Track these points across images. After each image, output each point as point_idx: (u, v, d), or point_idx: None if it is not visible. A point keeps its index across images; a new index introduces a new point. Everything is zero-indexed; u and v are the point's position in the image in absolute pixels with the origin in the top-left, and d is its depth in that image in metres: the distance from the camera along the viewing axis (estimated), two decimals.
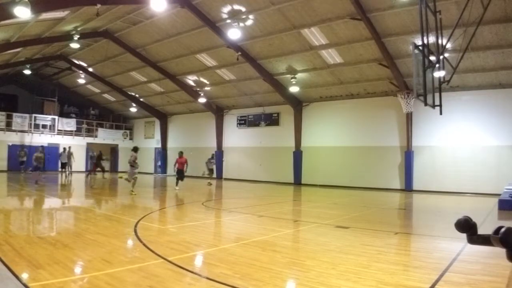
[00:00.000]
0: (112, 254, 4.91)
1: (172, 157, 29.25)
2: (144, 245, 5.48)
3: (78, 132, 29.18)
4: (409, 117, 17.27)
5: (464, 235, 1.19)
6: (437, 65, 9.37)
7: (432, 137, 17.10)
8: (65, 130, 28.21)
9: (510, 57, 13.89)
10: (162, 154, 29.57)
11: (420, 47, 8.56)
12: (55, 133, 27.38)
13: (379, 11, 13.42)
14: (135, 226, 7.01)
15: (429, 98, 8.89)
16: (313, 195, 16.06)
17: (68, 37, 18.27)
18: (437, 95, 9.33)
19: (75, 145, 28.41)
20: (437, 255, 5.31)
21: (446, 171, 16.61)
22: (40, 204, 10.79)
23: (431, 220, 9.36)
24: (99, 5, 13.79)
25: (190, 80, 22.88)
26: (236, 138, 24.82)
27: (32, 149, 25.01)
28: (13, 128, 25.41)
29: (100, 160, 23.05)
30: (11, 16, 10.99)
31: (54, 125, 27.41)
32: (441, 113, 9.68)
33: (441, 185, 16.53)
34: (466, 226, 1.19)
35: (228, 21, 15.87)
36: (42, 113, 27.42)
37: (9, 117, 25.44)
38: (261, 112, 23.32)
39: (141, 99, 28.11)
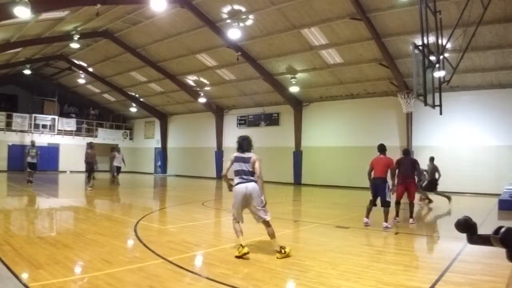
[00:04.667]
0: (112, 254, 4.90)
1: (172, 158, 29.36)
2: (144, 245, 5.48)
3: (78, 132, 29.18)
4: (409, 117, 17.26)
5: (464, 235, 1.19)
6: (437, 65, 9.37)
7: (432, 137, 17.09)
8: (65, 130, 28.22)
9: (510, 57, 13.89)
10: (162, 154, 29.57)
11: (420, 47, 8.56)
12: (55, 133, 27.37)
13: (379, 11, 13.42)
14: (135, 226, 7.00)
15: (429, 98, 8.89)
16: (313, 195, 16.06)
17: (68, 37, 18.28)
18: (437, 95, 9.32)
19: (75, 145, 28.44)
20: (437, 255, 5.31)
21: (446, 171, 16.49)
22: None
23: (431, 220, 9.36)
24: (99, 5, 13.79)
25: (190, 80, 22.88)
26: (236, 138, 24.75)
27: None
28: (13, 128, 25.40)
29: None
30: (11, 16, 10.98)
31: (54, 125, 27.41)
32: (441, 113, 9.68)
33: (441, 185, 16.38)
34: (466, 226, 1.19)
35: (228, 21, 15.87)
36: (42, 113, 27.41)
37: (9, 117, 25.43)
38: (261, 112, 23.32)
39: (141, 99, 28.12)
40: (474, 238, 1.18)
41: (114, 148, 18.08)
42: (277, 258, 4.87)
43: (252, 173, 5.19)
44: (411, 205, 8.15)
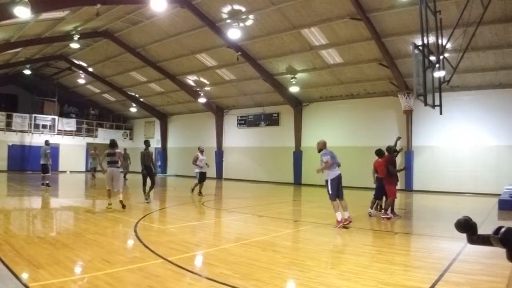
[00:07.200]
0: (112, 254, 4.91)
1: (172, 158, 29.32)
2: (144, 245, 5.48)
3: (78, 132, 29.18)
4: (409, 117, 17.26)
5: (464, 235, 1.19)
6: (437, 65, 9.36)
7: (432, 137, 17.09)
8: (65, 130, 28.20)
9: (510, 57, 13.88)
10: (162, 154, 29.55)
11: (420, 47, 8.56)
12: (55, 133, 27.34)
13: (379, 11, 13.42)
14: (135, 226, 7.01)
15: (429, 98, 8.89)
16: (313, 195, 16.05)
17: (68, 37, 18.28)
18: (437, 95, 9.32)
19: (75, 145, 28.45)
20: (437, 255, 5.31)
21: (446, 171, 16.59)
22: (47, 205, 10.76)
23: (431, 220, 9.36)
24: (99, 5, 13.78)
25: (190, 80, 22.88)
26: (236, 138, 24.81)
27: (34, 149, 24.92)
28: (13, 128, 25.39)
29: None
30: (11, 16, 10.98)
31: (54, 125, 27.38)
32: (441, 113, 9.68)
33: (441, 185, 16.51)
34: (466, 226, 1.19)
35: (228, 21, 15.87)
36: (42, 113, 27.38)
37: (9, 117, 25.42)
38: (261, 112, 23.31)
39: (141, 99, 28.11)
40: (474, 238, 1.18)
41: (198, 148, 14.22)
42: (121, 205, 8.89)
43: (117, 162, 9.25)
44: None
